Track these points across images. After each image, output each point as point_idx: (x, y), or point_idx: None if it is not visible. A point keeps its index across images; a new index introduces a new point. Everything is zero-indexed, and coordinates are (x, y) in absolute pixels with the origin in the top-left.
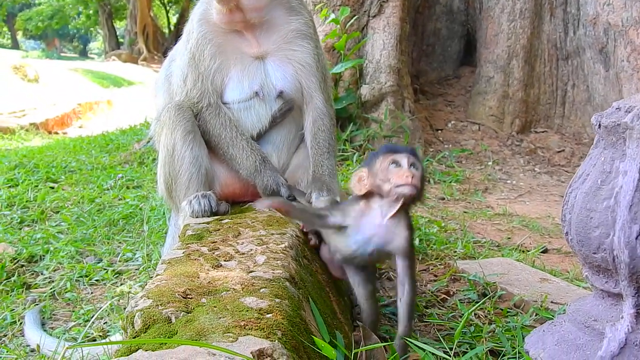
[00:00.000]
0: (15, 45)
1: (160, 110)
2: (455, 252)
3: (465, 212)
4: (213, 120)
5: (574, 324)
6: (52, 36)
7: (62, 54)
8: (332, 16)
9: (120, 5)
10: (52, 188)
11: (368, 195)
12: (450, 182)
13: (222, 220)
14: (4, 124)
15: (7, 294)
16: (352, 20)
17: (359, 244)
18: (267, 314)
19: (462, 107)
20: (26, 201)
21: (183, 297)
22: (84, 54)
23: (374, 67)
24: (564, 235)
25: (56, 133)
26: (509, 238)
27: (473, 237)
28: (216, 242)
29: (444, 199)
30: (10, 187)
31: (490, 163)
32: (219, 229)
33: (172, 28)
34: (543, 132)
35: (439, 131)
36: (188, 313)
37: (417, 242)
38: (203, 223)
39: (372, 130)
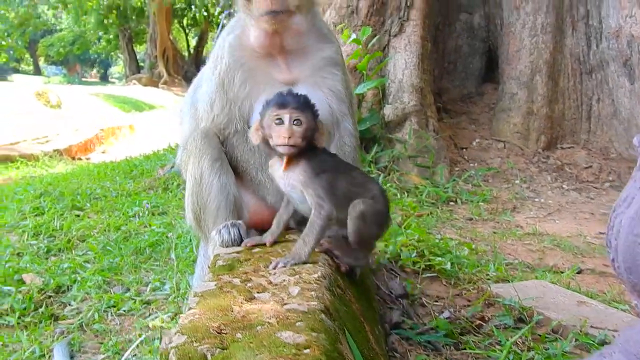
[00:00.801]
0: (37, 71)
1: (186, 138)
2: (487, 275)
3: (494, 232)
4: (241, 147)
5: (625, 355)
6: (74, 61)
7: (83, 79)
8: (354, 36)
9: (140, 30)
10: (78, 216)
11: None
12: (478, 201)
13: (252, 249)
14: (28, 151)
15: (35, 326)
16: (373, 40)
17: (283, 191)
18: (305, 349)
19: (486, 124)
20: (52, 230)
21: (218, 333)
22: (105, 79)
23: (396, 87)
24: (610, 262)
25: (79, 159)
26: (541, 259)
27: (504, 258)
28: (248, 272)
29: (472, 219)
30: (36, 215)
31: (517, 181)
32: (249, 259)
33: (191, 51)
34: (569, 148)
35: (464, 150)
36: (224, 350)
37: (448, 265)
38: (233, 253)
39: (396, 150)
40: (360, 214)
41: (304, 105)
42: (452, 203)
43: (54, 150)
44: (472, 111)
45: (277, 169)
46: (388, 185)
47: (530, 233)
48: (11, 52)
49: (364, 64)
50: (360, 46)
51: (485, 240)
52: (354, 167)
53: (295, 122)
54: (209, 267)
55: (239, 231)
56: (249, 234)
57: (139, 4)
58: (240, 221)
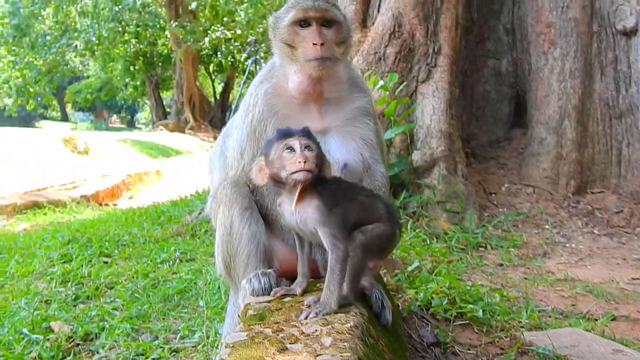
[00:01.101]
0: (65, 118)
1: (216, 187)
2: (520, 322)
3: (525, 278)
4: (271, 195)
5: None
6: (101, 108)
7: (110, 125)
8: (381, 83)
9: (167, 76)
10: (106, 263)
11: (278, 184)
12: (508, 247)
13: (283, 298)
14: (55, 197)
15: None
16: (400, 87)
17: (292, 227)
18: None
19: (515, 169)
20: (80, 277)
21: None
22: (131, 125)
23: (424, 133)
24: None
25: (106, 205)
26: (574, 305)
27: (536, 305)
28: (279, 322)
29: (502, 265)
30: (64, 262)
31: (547, 226)
32: (280, 308)
33: (217, 97)
34: (600, 192)
35: (493, 195)
36: None
37: (480, 312)
38: (264, 302)
39: (425, 196)
40: (358, 246)
41: (309, 133)
42: (481, 249)
43: (81, 196)
44: (500, 156)
45: (287, 205)
46: (417, 230)
47: (561, 279)
48: (39, 98)
49: (391, 110)
50: (388, 92)
51: (516, 287)
52: (360, 189)
53: (306, 148)
54: (239, 316)
55: (270, 280)
56: (280, 282)
57: (165, 51)
58: (270, 270)
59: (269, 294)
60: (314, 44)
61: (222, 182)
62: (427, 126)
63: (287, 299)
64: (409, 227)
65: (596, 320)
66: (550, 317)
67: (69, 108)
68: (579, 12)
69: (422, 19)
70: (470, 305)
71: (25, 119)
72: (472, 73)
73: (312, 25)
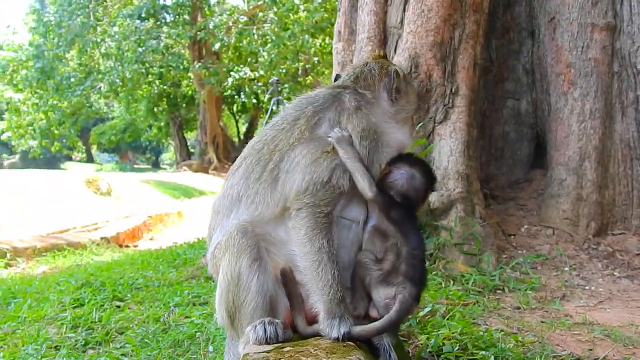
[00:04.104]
0: (90, 159)
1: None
2: None
3: (542, 322)
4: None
5: None
6: (125, 149)
7: (135, 166)
8: None
9: (191, 117)
10: (119, 307)
11: None
12: (526, 290)
13: (283, 348)
14: (75, 239)
15: None
16: (417, 127)
17: None
18: None
19: (535, 211)
20: (91, 322)
21: None
22: (156, 165)
23: (441, 174)
24: None
25: (127, 246)
26: (591, 350)
27: (553, 350)
28: None
29: (519, 308)
30: (75, 307)
31: (566, 268)
32: (279, 359)
33: (241, 137)
34: (620, 234)
35: (512, 236)
36: None
37: (492, 359)
38: (263, 352)
39: (442, 238)
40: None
41: None
42: (499, 291)
43: (102, 238)
44: (520, 197)
45: None
46: (433, 273)
47: (580, 322)
48: (64, 140)
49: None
50: None
51: (533, 331)
52: None
53: None
54: None
55: (276, 329)
56: (286, 332)
57: (189, 92)
58: (278, 321)
59: (273, 344)
60: None
61: (230, 229)
62: (444, 167)
63: (287, 348)
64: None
65: None
66: None
67: (94, 149)
68: (599, 53)
69: (439, 60)
70: (482, 351)
71: (51, 161)
72: (491, 113)
73: None
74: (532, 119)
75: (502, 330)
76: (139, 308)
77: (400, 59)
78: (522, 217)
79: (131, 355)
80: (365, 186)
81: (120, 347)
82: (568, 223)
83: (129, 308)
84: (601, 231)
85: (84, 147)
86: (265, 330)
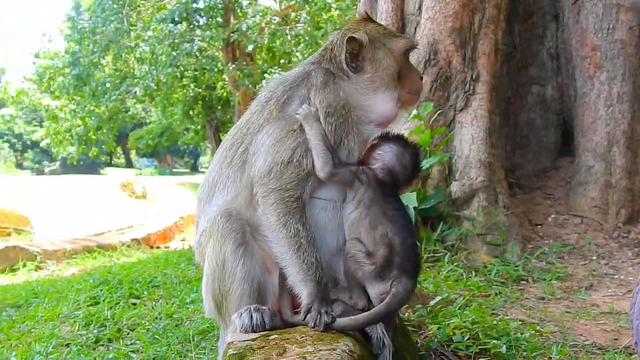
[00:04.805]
0: (129, 164)
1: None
2: (550, 357)
3: (567, 312)
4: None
5: None
6: (164, 153)
7: (174, 170)
8: (415, 112)
9: (227, 119)
10: (134, 304)
11: None
12: (551, 279)
13: (269, 336)
14: (107, 241)
15: None
16: (435, 115)
17: None
18: None
19: (563, 199)
20: (104, 319)
21: None
22: (194, 168)
23: (463, 163)
24: (634, 344)
25: (158, 247)
26: (616, 339)
27: (574, 340)
28: None
29: (543, 298)
30: (90, 305)
31: (594, 257)
32: (263, 347)
33: None
34: None
35: (539, 226)
36: None
37: (503, 348)
38: (248, 340)
39: (464, 228)
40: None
41: None
42: (523, 282)
43: (132, 240)
44: (547, 186)
45: None
46: (455, 264)
47: (606, 312)
48: (102, 146)
49: (425, 139)
50: (422, 122)
51: (556, 321)
52: None
53: None
54: (222, 356)
55: (263, 316)
56: (274, 320)
57: (224, 94)
58: (265, 307)
59: (260, 331)
60: (420, 77)
61: (214, 214)
62: (465, 156)
63: (273, 336)
64: (446, 261)
65: (630, 355)
66: (582, 351)
67: (133, 155)
68: (626, 34)
69: (458, 46)
70: (494, 340)
71: (91, 167)
72: (515, 100)
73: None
74: (558, 105)
75: (521, 321)
76: (153, 305)
77: (418, 46)
78: (549, 206)
79: (140, 352)
80: (317, 165)
81: (131, 344)
82: (597, 211)
83: (144, 305)
84: (632, 219)
85: (123, 153)
86: (251, 317)
